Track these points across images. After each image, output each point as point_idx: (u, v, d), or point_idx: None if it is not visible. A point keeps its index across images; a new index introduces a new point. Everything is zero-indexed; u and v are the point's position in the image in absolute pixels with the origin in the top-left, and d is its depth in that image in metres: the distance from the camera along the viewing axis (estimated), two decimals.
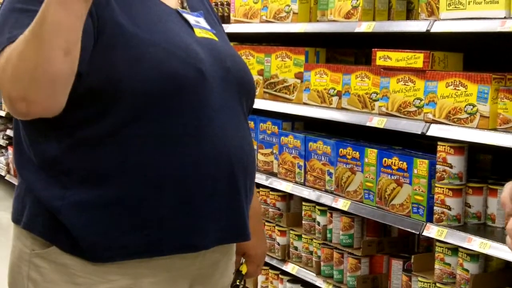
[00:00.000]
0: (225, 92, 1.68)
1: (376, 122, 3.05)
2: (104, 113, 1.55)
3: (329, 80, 3.40)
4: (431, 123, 2.82)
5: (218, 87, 1.66)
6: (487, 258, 2.81)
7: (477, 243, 2.62)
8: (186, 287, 1.71)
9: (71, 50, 1.41)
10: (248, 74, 1.80)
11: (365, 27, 3.09)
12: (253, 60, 3.90)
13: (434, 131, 2.79)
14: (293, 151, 3.60)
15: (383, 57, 3.05)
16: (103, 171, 1.56)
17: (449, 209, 2.79)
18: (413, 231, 2.94)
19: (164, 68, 1.56)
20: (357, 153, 3.20)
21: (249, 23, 3.93)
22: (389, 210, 3.03)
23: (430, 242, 3.14)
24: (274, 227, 3.83)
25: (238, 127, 1.71)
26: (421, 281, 2.94)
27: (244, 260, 1.97)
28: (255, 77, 3.82)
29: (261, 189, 3.87)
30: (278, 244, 3.80)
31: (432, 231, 2.80)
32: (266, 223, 3.84)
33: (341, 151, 3.29)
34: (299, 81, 3.60)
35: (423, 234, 2.86)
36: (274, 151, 3.81)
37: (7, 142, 7.79)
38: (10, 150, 7.57)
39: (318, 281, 3.50)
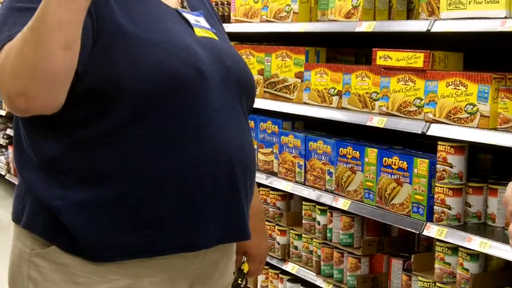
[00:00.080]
0: (225, 92, 1.68)
1: (377, 121, 3.05)
2: (104, 113, 1.55)
3: (329, 80, 3.40)
4: (431, 122, 2.82)
5: (218, 86, 1.66)
6: (487, 258, 2.81)
7: (477, 243, 2.63)
8: (186, 287, 1.71)
9: (71, 45, 1.41)
10: (248, 73, 1.80)
11: (366, 26, 3.09)
12: (253, 60, 3.90)
13: (434, 130, 2.79)
14: (293, 151, 3.60)
15: (384, 56, 3.05)
16: (103, 171, 1.56)
17: (449, 208, 2.79)
18: (413, 231, 2.94)
19: (164, 68, 1.56)
20: (357, 152, 3.20)
21: (249, 23, 3.93)
22: (389, 209, 3.03)
23: (430, 242, 3.14)
24: (274, 226, 3.83)
25: (238, 127, 1.71)
26: (421, 281, 2.94)
27: (245, 259, 1.97)
28: (256, 76, 3.82)
29: (261, 188, 3.87)
30: (278, 243, 3.80)
31: (432, 230, 2.80)
32: (266, 223, 3.83)
33: (341, 150, 3.29)
34: (299, 80, 3.60)
35: (423, 233, 2.86)
36: (274, 151, 3.81)
37: (7, 141, 7.79)
38: (10, 149, 7.57)
39: (318, 281, 3.50)
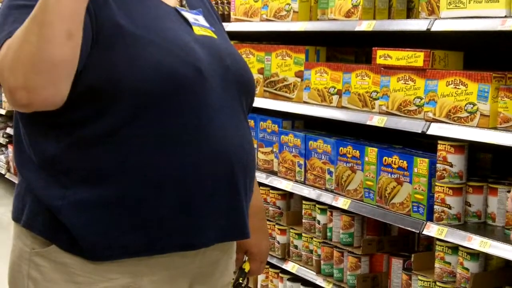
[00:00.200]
0: (225, 91, 1.67)
1: (377, 121, 3.05)
2: (103, 113, 1.55)
3: (329, 79, 3.40)
4: (432, 122, 2.82)
5: (218, 86, 1.65)
6: (487, 257, 2.81)
7: (477, 242, 2.62)
8: (186, 285, 1.71)
9: (74, 34, 1.40)
10: (248, 72, 1.79)
11: (366, 25, 3.09)
12: (253, 59, 3.90)
13: (435, 130, 2.79)
14: (293, 150, 3.60)
15: (384, 55, 3.05)
16: (103, 170, 1.56)
17: (449, 208, 2.79)
18: (413, 230, 2.94)
19: (163, 67, 1.56)
20: (357, 151, 3.20)
21: (249, 22, 3.93)
22: (389, 209, 3.03)
23: (430, 241, 3.14)
24: (274, 225, 3.83)
25: (238, 126, 1.71)
26: (421, 280, 2.94)
27: (246, 258, 1.97)
28: (255, 75, 3.82)
29: (261, 187, 3.86)
30: (278, 242, 3.80)
31: (432, 230, 2.80)
32: (266, 222, 3.84)
33: (341, 149, 3.29)
34: (299, 79, 3.60)
35: (423, 233, 2.86)
36: (274, 150, 3.81)
37: (7, 140, 7.78)
38: (10, 148, 7.57)
39: (318, 280, 3.50)
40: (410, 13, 3.20)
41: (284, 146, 3.66)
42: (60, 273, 1.60)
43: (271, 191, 3.87)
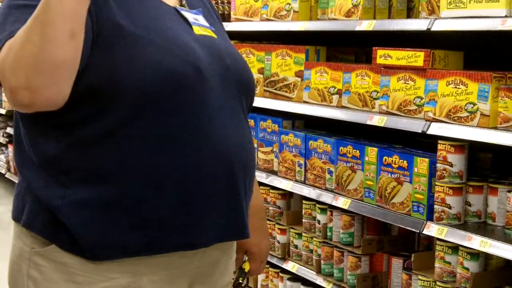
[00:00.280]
0: (225, 91, 1.67)
1: (377, 120, 3.05)
2: (103, 113, 1.55)
3: (329, 79, 3.40)
4: (432, 121, 2.82)
5: (218, 85, 1.65)
6: (487, 257, 2.81)
7: (477, 242, 2.62)
8: (185, 285, 1.71)
9: (76, 34, 1.40)
10: (248, 72, 1.79)
11: (366, 25, 3.09)
12: (253, 59, 3.90)
13: (435, 129, 2.79)
14: (294, 150, 3.60)
15: (384, 55, 3.05)
16: (103, 170, 1.56)
17: (450, 207, 2.79)
18: (414, 230, 2.94)
19: (163, 67, 1.56)
20: (358, 151, 3.20)
21: (249, 21, 3.93)
22: (390, 208, 3.03)
23: (430, 241, 3.14)
24: (274, 225, 3.83)
25: (238, 126, 1.70)
26: (421, 280, 2.94)
27: (246, 258, 1.96)
28: (256, 75, 3.82)
29: (261, 187, 3.87)
30: (278, 242, 3.80)
31: (432, 229, 2.80)
32: (266, 221, 3.84)
33: (341, 149, 3.29)
34: (299, 79, 3.60)
35: (423, 232, 2.86)
36: (275, 150, 3.81)
37: (7, 140, 7.79)
38: (10, 148, 7.57)
39: (318, 280, 3.50)
40: (410, 12, 3.20)
41: (284, 146, 3.66)
42: (60, 272, 1.60)
43: (271, 190, 3.87)
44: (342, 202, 3.26)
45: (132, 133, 1.56)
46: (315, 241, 3.55)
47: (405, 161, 2.95)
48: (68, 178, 1.57)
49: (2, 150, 8.09)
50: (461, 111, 2.72)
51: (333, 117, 3.34)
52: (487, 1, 2.59)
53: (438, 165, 2.82)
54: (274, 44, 3.88)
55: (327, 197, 3.36)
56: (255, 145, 3.89)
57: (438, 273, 2.87)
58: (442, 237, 2.76)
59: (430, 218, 2.85)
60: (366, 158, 3.15)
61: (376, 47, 3.10)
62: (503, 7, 2.53)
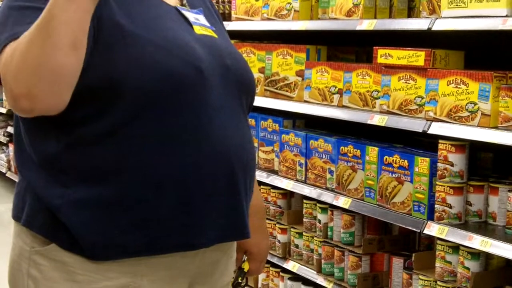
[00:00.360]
0: (225, 90, 1.67)
1: (377, 120, 3.05)
2: (103, 112, 1.55)
3: (330, 78, 3.40)
4: (432, 121, 2.82)
5: (218, 85, 1.65)
6: (488, 256, 2.81)
7: (478, 241, 2.62)
8: (185, 285, 1.71)
9: (78, 45, 1.41)
10: (248, 71, 1.79)
11: (367, 25, 3.09)
12: (254, 58, 3.90)
13: (435, 129, 2.79)
14: (294, 149, 3.60)
15: (385, 55, 3.05)
16: (103, 170, 1.56)
17: (450, 207, 2.79)
18: (414, 229, 2.94)
19: (163, 66, 1.56)
20: (358, 151, 3.20)
21: (250, 21, 3.93)
22: (390, 208, 3.03)
23: (431, 240, 3.14)
24: (275, 225, 3.83)
25: (238, 126, 1.70)
26: (422, 279, 2.94)
27: (246, 257, 1.96)
28: (256, 75, 3.82)
29: (262, 186, 3.87)
30: (279, 241, 3.80)
31: (433, 229, 2.80)
32: (267, 221, 3.84)
33: (342, 149, 3.29)
34: (300, 79, 3.60)
35: (424, 232, 2.86)
36: (275, 149, 3.81)
37: (8, 139, 7.79)
38: (11, 147, 7.57)
39: (319, 279, 3.50)
40: (411, 12, 3.20)
41: (285, 145, 3.66)
42: (60, 271, 1.60)
43: (272, 190, 3.87)
44: (343, 201, 3.26)
45: (132, 133, 1.56)
46: (316, 240, 3.55)
47: (405, 161, 2.95)
48: (68, 178, 1.57)
49: (2, 149, 8.10)
50: (461, 111, 2.72)
51: (334, 117, 3.34)
52: (488, 1, 2.59)
53: (439, 164, 2.82)
54: (274, 43, 3.88)
55: (327, 197, 3.36)
56: (256, 145, 3.89)
57: (438, 273, 2.86)
58: (442, 236, 2.76)
59: (430, 217, 2.85)
60: (367, 158, 3.14)
61: (377, 47, 3.10)
62: (504, 6, 2.53)
